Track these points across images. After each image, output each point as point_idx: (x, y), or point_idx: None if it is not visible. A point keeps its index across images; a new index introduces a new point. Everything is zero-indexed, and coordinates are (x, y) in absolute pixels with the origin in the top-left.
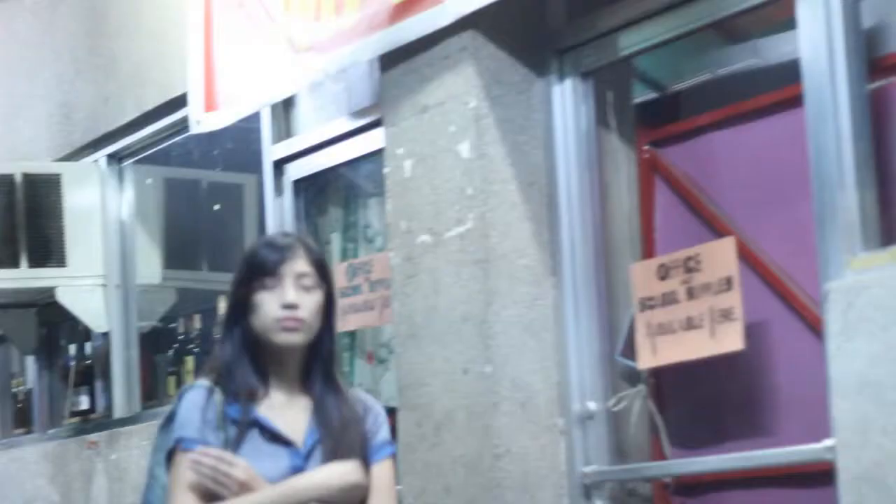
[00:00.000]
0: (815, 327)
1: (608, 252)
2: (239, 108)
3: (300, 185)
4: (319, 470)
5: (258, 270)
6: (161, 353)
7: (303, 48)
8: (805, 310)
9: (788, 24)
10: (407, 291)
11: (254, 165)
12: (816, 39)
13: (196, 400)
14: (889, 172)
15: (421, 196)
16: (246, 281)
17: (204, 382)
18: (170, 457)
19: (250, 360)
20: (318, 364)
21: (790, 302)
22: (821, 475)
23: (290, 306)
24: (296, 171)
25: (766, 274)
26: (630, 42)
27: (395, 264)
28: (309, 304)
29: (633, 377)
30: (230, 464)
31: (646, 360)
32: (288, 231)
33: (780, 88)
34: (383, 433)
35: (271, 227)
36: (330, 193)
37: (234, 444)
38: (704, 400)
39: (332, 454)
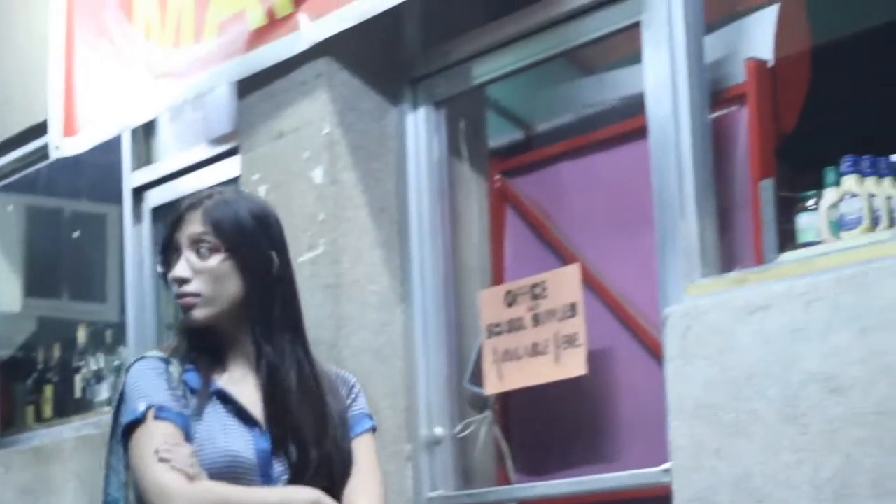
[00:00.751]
0: (656, 352)
1: (458, 279)
2: (98, 133)
3: (159, 212)
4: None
5: (161, 246)
6: (20, 381)
7: (161, 74)
8: (647, 335)
9: (638, 57)
10: None
11: (118, 196)
12: (660, 72)
13: (153, 366)
14: (729, 200)
15: None
16: (160, 261)
17: (155, 353)
18: (127, 432)
19: (196, 339)
20: (252, 336)
21: (633, 328)
22: (662, 500)
23: (179, 281)
24: (155, 198)
25: (610, 300)
26: (482, 71)
27: None
28: (205, 272)
29: (480, 403)
30: (179, 444)
31: (492, 385)
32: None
33: (627, 119)
34: (358, 406)
35: (130, 255)
36: None
37: (197, 415)
38: (550, 426)
39: (299, 471)
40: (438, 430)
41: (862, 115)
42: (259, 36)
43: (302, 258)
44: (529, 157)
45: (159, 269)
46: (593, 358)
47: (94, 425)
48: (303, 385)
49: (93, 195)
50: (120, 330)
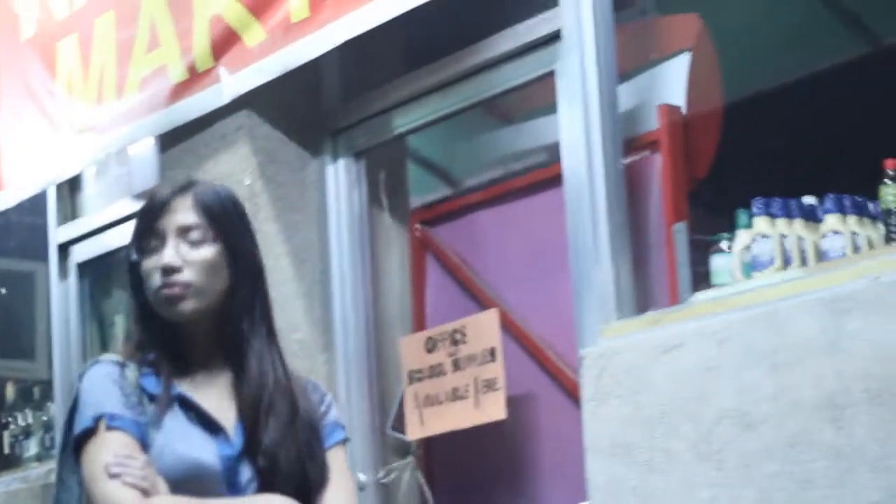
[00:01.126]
0: (574, 394)
1: (380, 328)
2: (23, 189)
3: (85, 267)
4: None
5: (139, 232)
6: None
7: (84, 129)
8: (565, 378)
9: (554, 106)
10: None
11: (46, 254)
12: (574, 120)
13: (108, 371)
14: (644, 243)
15: None
16: (135, 248)
17: (110, 357)
18: (79, 443)
19: (159, 338)
20: (231, 334)
21: (551, 371)
22: None
23: (168, 270)
24: (80, 253)
25: (528, 345)
26: (401, 122)
27: None
28: (197, 262)
29: (403, 449)
30: (132, 457)
31: (414, 431)
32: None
33: (544, 168)
34: (332, 416)
35: (56, 311)
36: (114, 276)
37: (156, 423)
38: (472, 470)
39: (268, 477)
40: (362, 477)
41: (773, 159)
42: (180, 90)
43: None
44: (449, 206)
45: (133, 257)
46: (513, 401)
47: (22, 480)
48: (278, 386)
49: (21, 253)
50: (48, 387)
